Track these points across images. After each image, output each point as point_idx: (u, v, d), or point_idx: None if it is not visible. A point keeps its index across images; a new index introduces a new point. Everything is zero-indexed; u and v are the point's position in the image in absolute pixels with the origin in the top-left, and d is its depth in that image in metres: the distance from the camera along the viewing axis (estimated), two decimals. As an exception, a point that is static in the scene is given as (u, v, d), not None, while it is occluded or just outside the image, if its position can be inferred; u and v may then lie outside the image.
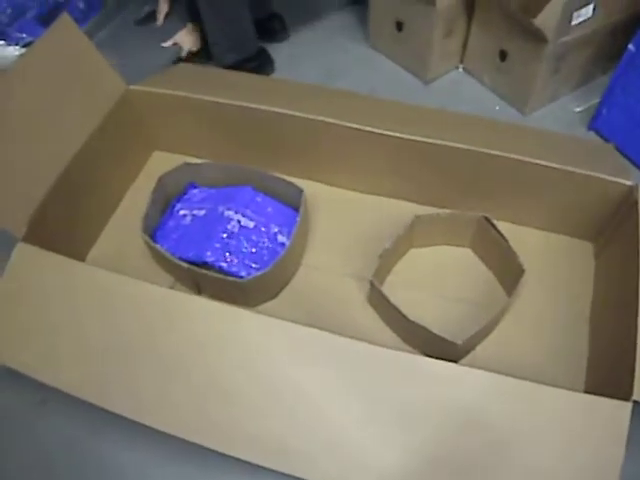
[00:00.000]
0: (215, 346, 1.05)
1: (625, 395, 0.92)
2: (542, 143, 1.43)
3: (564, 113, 1.95)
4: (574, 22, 1.71)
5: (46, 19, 2.25)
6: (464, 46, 2.08)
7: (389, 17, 2.08)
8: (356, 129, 1.36)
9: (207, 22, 2.03)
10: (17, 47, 2.22)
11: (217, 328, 1.07)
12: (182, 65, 1.80)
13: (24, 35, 2.22)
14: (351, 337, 1.01)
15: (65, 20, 1.39)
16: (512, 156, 1.30)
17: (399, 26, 2.06)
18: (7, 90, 1.26)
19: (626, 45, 1.66)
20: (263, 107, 1.42)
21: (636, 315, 1.00)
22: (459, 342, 1.13)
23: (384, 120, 1.38)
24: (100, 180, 1.48)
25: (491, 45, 1.90)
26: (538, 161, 1.29)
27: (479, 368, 0.97)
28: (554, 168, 1.28)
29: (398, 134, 1.34)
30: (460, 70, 2.14)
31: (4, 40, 2.22)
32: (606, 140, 1.86)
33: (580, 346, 1.25)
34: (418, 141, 1.33)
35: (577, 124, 1.92)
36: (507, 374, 0.97)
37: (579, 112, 1.95)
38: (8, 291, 1.18)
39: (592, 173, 1.26)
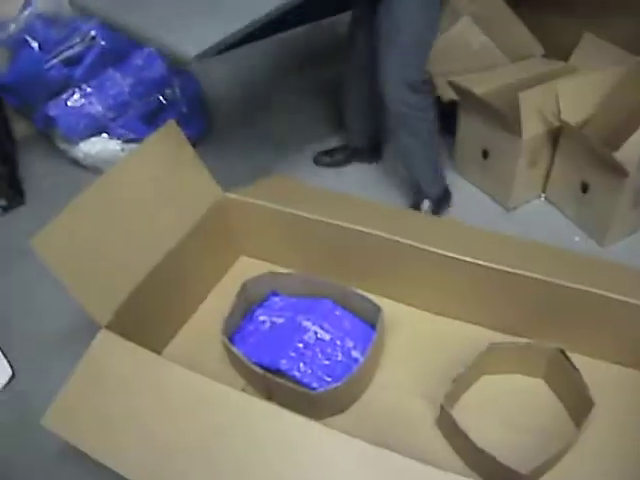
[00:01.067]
0: (282, 453, 1.07)
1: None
2: (621, 278, 1.44)
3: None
4: (655, 155, 1.73)
5: (148, 119, 2.38)
6: (547, 176, 2.11)
7: (476, 145, 2.14)
8: (438, 254, 1.41)
9: (411, 156, 1.99)
10: (119, 142, 2.36)
11: (286, 436, 1.09)
12: (276, 176, 1.88)
13: (126, 131, 2.35)
14: (416, 459, 1.02)
15: (171, 126, 1.51)
16: (591, 290, 1.31)
17: (485, 154, 2.11)
18: (109, 186, 1.37)
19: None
20: (348, 225, 1.48)
21: None
22: (524, 472, 1.12)
23: (466, 246, 1.43)
24: (187, 279, 1.55)
25: (573, 176, 1.93)
26: (616, 296, 1.30)
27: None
28: (630, 304, 1.29)
29: (479, 261, 1.38)
30: (542, 199, 2.16)
31: (107, 134, 2.36)
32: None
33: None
34: (498, 270, 1.36)
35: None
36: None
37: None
38: (84, 374, 1.24)
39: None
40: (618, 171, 1.73)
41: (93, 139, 2.36)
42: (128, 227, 1.38)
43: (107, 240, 1.34)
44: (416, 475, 1.01)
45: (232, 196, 1.61)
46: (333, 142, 2.47)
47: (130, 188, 1.40)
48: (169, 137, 1.51)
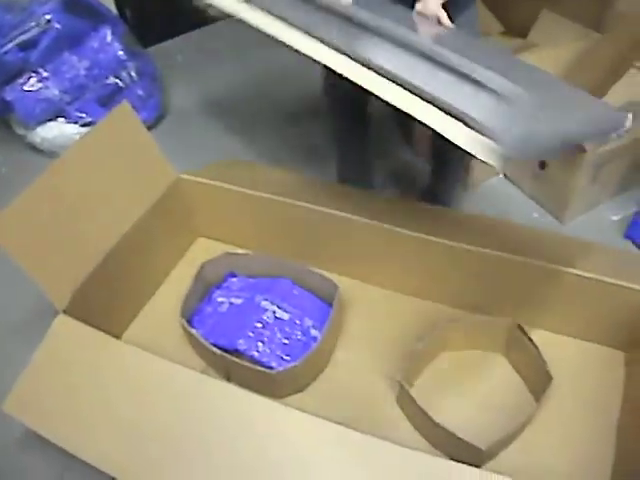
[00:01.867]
0: (243, 434, 1.07)
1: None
2: (578, 252, 1.44)
3: (601, 221, 1.96)
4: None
5: (105, 102, 2.35)
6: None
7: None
8: (394, 231, 1.40)
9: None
10: (76, 125, 2.32)
11: (244, 416, 1.09)
12: (232, 160, 1.86)
13: (83, 115, 2.32)
14: (377, 437, 1.02)
15: (124, 107, 1.48)
16: (549, 265, 1.32)
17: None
18: (64, 170, 1.34)
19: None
20: (303, 204, 1.48)
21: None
22: (483, 447, 1.13)
23: (421, 223, 1.42)
24: (144, 262, 1.53)
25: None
26: (573, 270, 1.31)
27: (503, 473, 0.96)
28: (589, 278, 1.30)
29: (436, 238, 1.38)
30: (500, 176, 2.17)
31: (64, 118, 2.32)
32: (640, 248, 1.87)
33: (606, 455, 1.22)
34: (456, 247, 1.37)
35: (614, 232, 1.92)
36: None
37: (616, 220, 1.96)
38: (44, 360, 1.22)
39: (626, 284, 1.28)
40: (576, 147, 1.74)
41: (50, 123, 2.32)
42: (83, 211, 1.35)
43: (63, 225, 1.31)
44: (377, 452, 1.01)
45: (187, 177, 1.59)
46: (304, 122, 2.46)
47: (84, 172, 1.37)
48: (122, 119, 1.48)
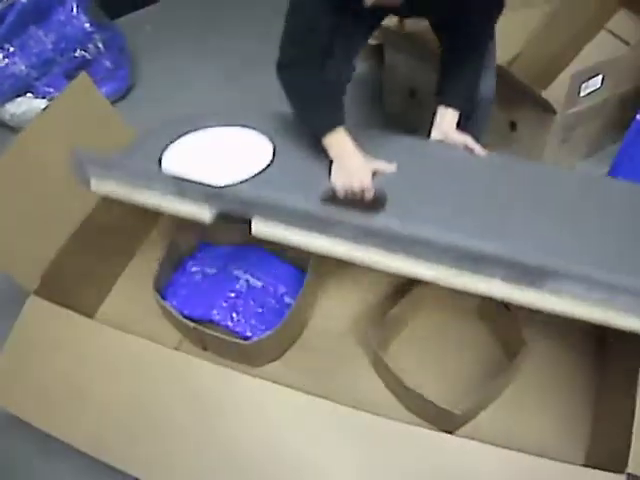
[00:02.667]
0: (215, 408, 1.08)
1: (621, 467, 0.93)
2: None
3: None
4: (582, 93, 1.74)
5: (73, 75, 2.22)
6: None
7: (404, 84, 2.13)
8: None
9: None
10: (44, 100, 2.29)
11: (219, 390, 1.09)
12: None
13: (51, 89, 2.29)
14: (353, 404, 1.03)
15: (83, 79, 1.45)
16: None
17: (412, 93, 2.12)
18: (25, 147, 1.32)
19: (634, 115, 1.69)
20: None
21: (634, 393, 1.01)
22: (457, 412, 1.14)
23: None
24: (114, 236, 1.52)
25: (501, 115, 1.94)
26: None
27: (480, 437, 0.99)
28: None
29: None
30: (471, 138, 2.16)
31: (32, 93, 2.29)
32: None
33: (584, 416, 1.24)
34: None
35: (585, 193, 1.93)
36: (509, 443, 0.99)
37: (589, 181, 1.97)
38: (17, 342, 1.22)
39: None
40: (546, 108, 1.74)
41: (19, 99, 2.29)
42: (47, 188, 1.34)
43: (24, 207, 1.30)
44: (352, 421, 1.03)
45: None
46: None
47: (46, 149, 1.35)
48: (81, 91, 1.45)
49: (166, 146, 1.35)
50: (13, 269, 1.24)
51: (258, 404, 1.07)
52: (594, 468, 0.95)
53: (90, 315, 1.36)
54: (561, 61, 1.74)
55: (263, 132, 1.38)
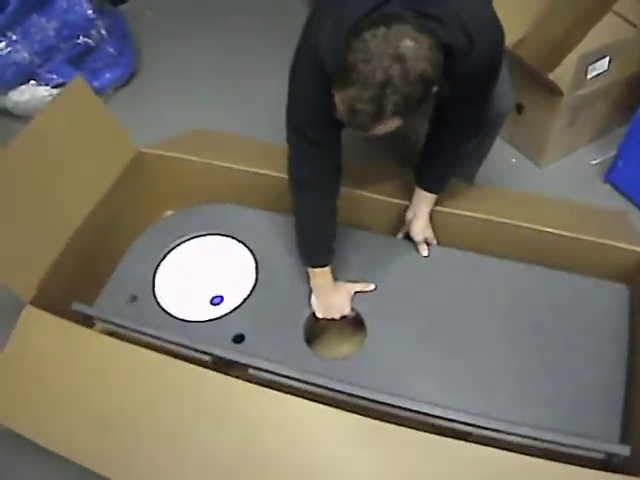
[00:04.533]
0: (220, 417, 1.05)
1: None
2: (552, 210, 1.47)
3: (580, 166, 1.96)
4: (590, 75, 1.73)
5: (76, 61, 2.31)
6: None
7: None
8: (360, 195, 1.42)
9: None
10: (47, 87, 2.28)
11: (221, 402, 1.07)
12: (192, 129, 1.80)
13: (54, 76, 2.28)
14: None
15: (78, 82, 1.42)
16: (521, 224, 1.33)
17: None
18: (19, 155, 1.28)
19: (642, 98, 1.69)
20: (270, 172, 1.46)
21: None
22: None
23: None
24: (110, 241, 1.48)
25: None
26: (549, 229, 1.31)
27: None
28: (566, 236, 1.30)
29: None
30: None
31: (35, 80, 2.28)
32: (620, 192, 1.88)
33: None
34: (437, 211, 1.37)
35: (593, 177, 1.92)
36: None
37: (595, 165, 1.96)
38: (14, 354, 1.19)
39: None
40: (553, 91, 1.73)
41: (22, 87, 2.28)
42: (42, 197, 1.32)
43: (20, 214, 1.27)
44: (378, 434, 1.01)
45: (148, 151, 1.55)
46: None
47: (41, 155, 1.33)
48: (77, 94, 1.43)
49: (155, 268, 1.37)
50: (9, 279, 1.22)
51: (270, 416, 1.05)
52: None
53: (88, 325, 1.33)
54: (568, 43, 1.72)
55: (245, 240, 1.41)
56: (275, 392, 1.04)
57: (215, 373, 1.08)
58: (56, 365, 1.17)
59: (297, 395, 1.04)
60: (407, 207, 1.37)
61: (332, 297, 1.26)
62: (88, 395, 1.12)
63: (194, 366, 1.10)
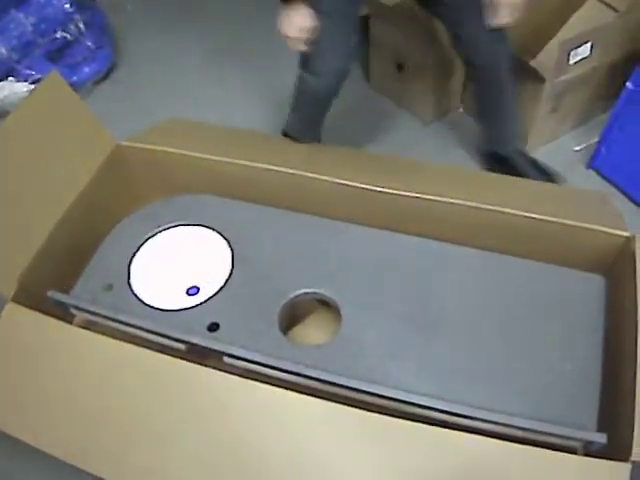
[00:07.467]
0: (213, 412, 1.04)
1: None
2: (532, 194, 1.45)
3: (563, 152, 1.96)
4: (572, 61, 1.73)
5: (54, 56, 2.30)
6: (464, 86, 2.09)
7: (390, 58, 2.10)
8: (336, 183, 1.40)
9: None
10: (26, 83, 2.26)
11: (214, 395, 1.05)
12: (171, 119, 1.78)
13: (33, 72, 2.27)
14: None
15: (54, 77, 1.39)
16: (504, 210, 1.30)
17: (400, 67, 2.08)
18: None
19: (624, 83, 1.67)
20: (254, 164, 1.44)
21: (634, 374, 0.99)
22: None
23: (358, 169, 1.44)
24: (90, 236, 1.43)
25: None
26: (530, 214, 1.29)
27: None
28: (547, 221, 1.28)
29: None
30: (460, 110, 2.16)
31: (13, 77, 2.27)
32: (604, 178, 1.87)
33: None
34: (408, 196, 1.35)
35: (577, 163, 1.92)
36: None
37: (578, 151, 1.96)
38: None
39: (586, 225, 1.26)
40: (535, 77, 1.73)
41: (0, 83, 2.26)
42: (18, 193, 1.28)
43: (1, 207, 1.24)
44: (371, 424, 0.99)
45: (127, 144, 1.51)
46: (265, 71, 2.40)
47: (16, 150, 1.29)
48: (52, 89, 1.39)
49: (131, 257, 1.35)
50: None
51: (259, 411, 1.03)
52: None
53: (68, 317, 1.31)
54: (549, 29, 1.71)
55: (221, 230, 1.38)
56: (258, 383, 1.03)
57: (197, 366, 1.07)
58: (39, 362, 1.14)
59: (274, 384, 1.02)
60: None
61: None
62: (73, 392, 1.10)
63: (177, 360, 1.08)
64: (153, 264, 1.33)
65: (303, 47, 1.42)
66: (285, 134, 1.83)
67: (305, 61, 1.54)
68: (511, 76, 1.63)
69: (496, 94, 1.68)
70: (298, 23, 1.37)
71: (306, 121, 1.78)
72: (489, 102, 1.74)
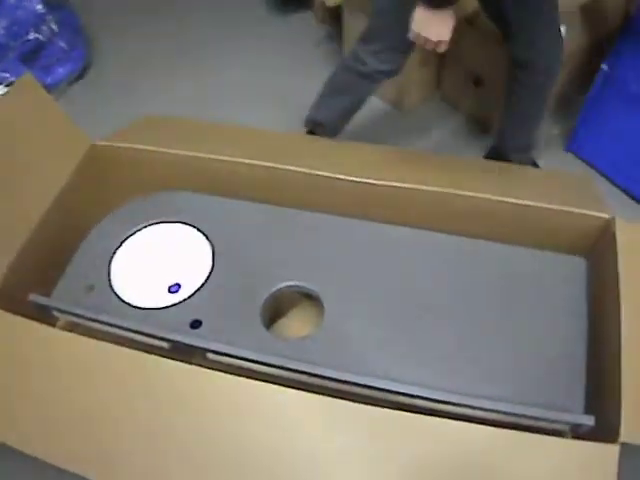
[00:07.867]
0: (200, 413, 1.02)
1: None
2: (512, 178, 1.45)
3: (542, 135, 1.95)
4: (547, 45, 1.72)
5: (28, 58, 2.28)
6: (439, 74, 2.09)
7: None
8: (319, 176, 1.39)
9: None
10: (1, 87, 2.25)
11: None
12: (146, 117, 1.76)
13: (7, 75, 2.25)
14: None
15: (27, 79, 1.38)
16: (484, 196, 1.30)
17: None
18: None
19: (600, 65, 1.68)
20: (233, 159, 1.42)
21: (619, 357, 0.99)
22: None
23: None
24: (69, 239, 1.41)
25: (465, 72, 1.91)
26: (509, 199, 1.28)
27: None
28: (527, 205, 1.28)
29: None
30: (437, 98, 2.15)
31: (-13, 80, 2.25)
32: (582, 160, 1.88)
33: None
34: (385, 185, 1.34)
35: (555, 146, 1.93)
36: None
37: (557, 134, 1.97)
38: None
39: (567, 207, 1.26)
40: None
41: (-26, 88, 2.25)
42: None
43: None
44: (362, 416, 0.98)
45: (102, 144, 1.49)
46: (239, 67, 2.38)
47: None
48: (25, 91, 1.38)
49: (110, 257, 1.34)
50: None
51: (241, 407, 1.02)
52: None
53: (51, 321, 1.29)
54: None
55: (200, 226, 1.37)
56: (243, 379, 1.01)
57: (182, 364, 1.04)
58: (23, 366, 1.12)
59: (260, 379, 1.01)
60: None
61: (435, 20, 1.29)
62: (57, 395, 1.08)
63: (162, 358, 1.06)
64: (133, 263, 1.32)
65: (445, 48, 1.32)
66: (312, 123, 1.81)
67: (370, 39, 1.56)
68: (552, 89, 1.64)
69: (536, 98, 1.64)
70: (450, 26, 1.28)
71: (339, 110, 1.76)
72: (525, 107, 1.66)
